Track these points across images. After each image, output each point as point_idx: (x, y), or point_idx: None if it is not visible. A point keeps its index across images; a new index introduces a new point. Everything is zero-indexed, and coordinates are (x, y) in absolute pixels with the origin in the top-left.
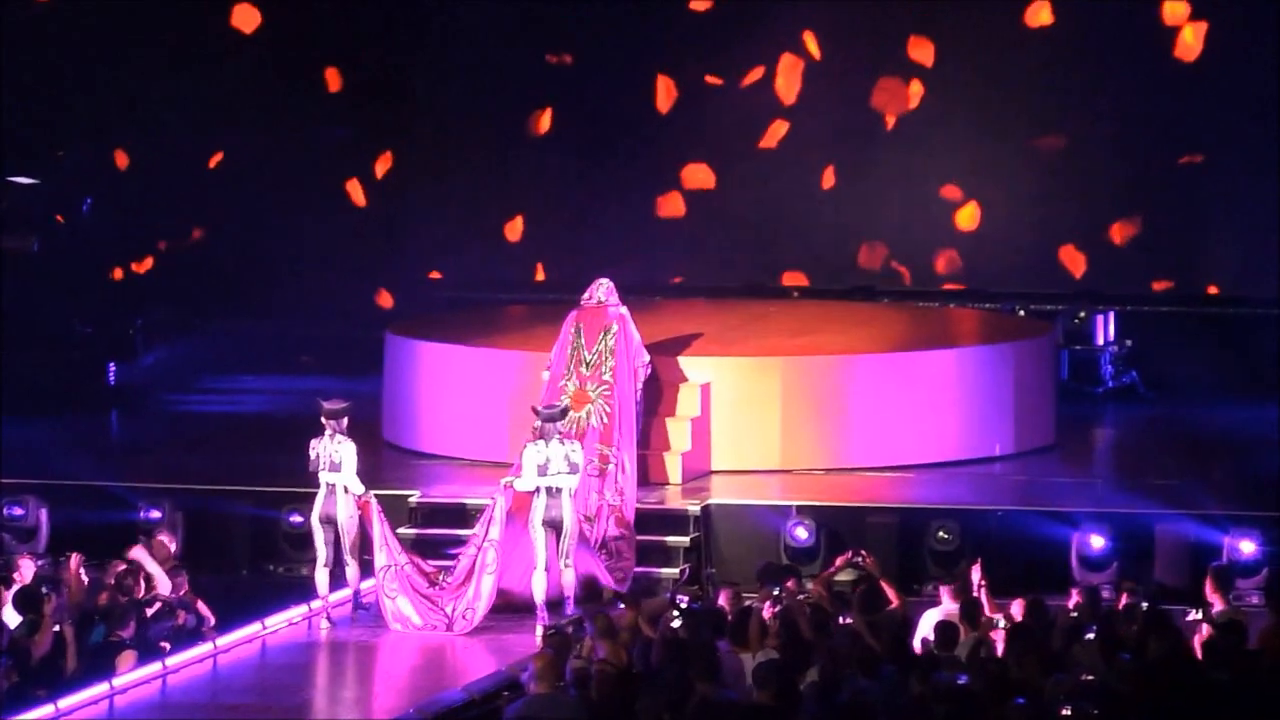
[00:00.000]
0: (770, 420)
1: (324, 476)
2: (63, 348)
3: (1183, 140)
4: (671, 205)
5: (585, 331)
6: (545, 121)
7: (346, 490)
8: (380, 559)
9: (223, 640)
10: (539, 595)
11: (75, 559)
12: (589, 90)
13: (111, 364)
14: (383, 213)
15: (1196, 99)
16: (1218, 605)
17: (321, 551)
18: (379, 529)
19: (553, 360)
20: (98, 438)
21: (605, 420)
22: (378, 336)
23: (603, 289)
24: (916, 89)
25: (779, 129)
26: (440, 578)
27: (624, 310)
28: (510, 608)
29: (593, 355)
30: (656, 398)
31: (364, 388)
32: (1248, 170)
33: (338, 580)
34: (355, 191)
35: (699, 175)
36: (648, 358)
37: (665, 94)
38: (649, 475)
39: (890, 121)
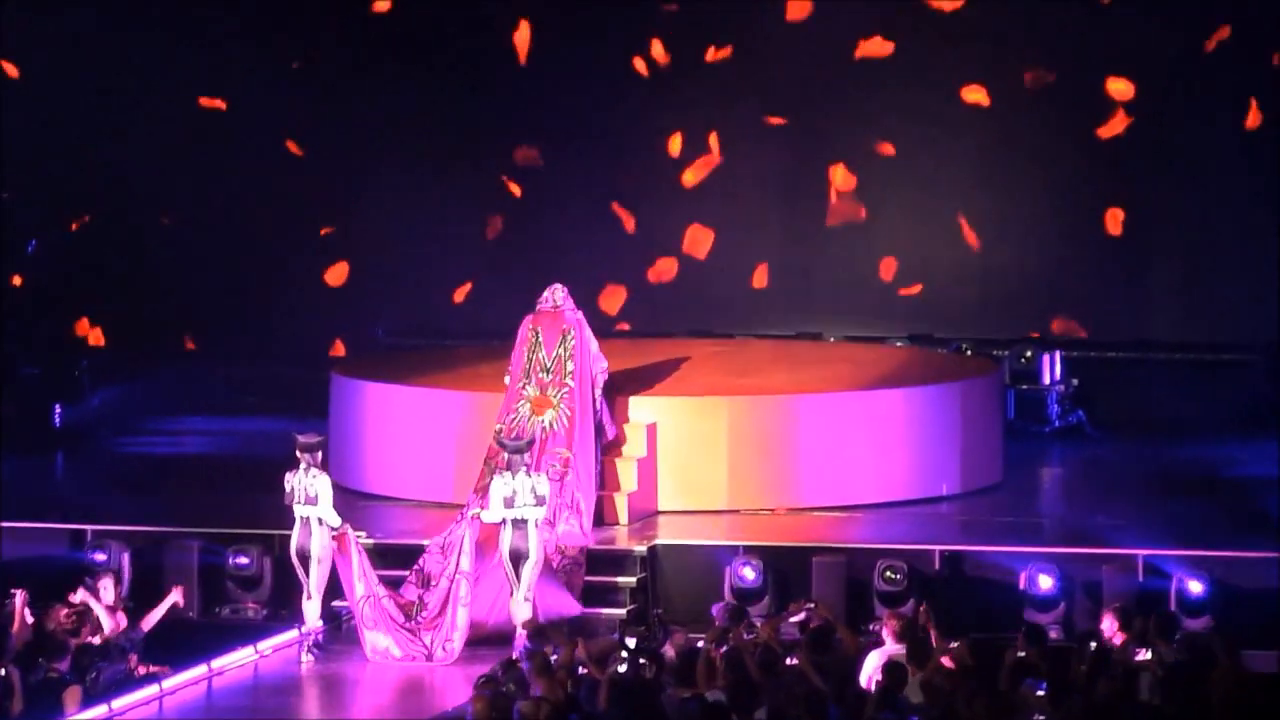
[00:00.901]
0: (717, 460)
1: (298, 510)
2: (7, 389)
3: (1112, 203)
4: (614, 299)
5: (544, 335)
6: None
7: (321, 523)
8: (359, 589)
9: (169, 682)
10: (516, 620)
11: (20, 597)
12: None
13: (57, 405)
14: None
15: (1118, 167)
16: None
17: (306, 583)
18: (356, 561)
19: (511, 365)
20: (43, 479)
21: (566, 424)
22: (324, 378)
23: (559, 293)
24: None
25: (701, 240)
26: (415, 611)
27: (580, 315)
28: (483, 639)
29: (552, 360)
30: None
31: (311, 429)
32: (1175, 231)
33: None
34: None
35: (665, 267)
36: (605, 363)
37: (625, 218)
38: (597, 515)
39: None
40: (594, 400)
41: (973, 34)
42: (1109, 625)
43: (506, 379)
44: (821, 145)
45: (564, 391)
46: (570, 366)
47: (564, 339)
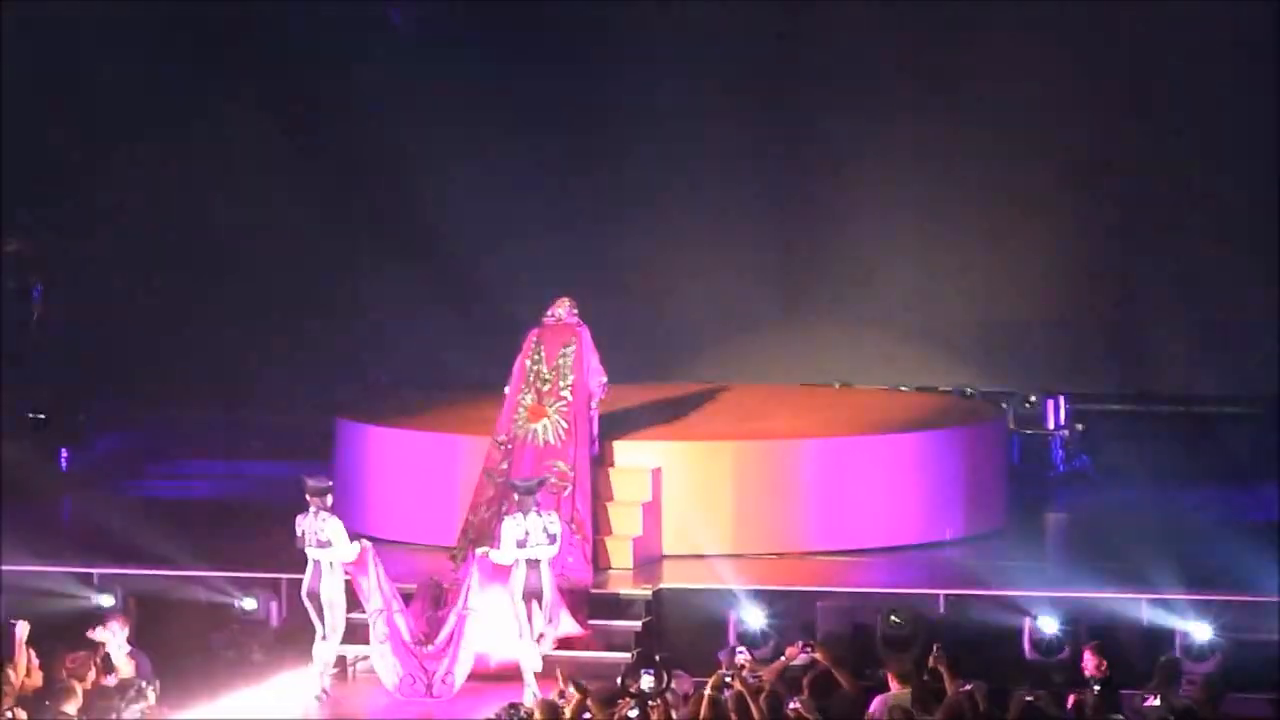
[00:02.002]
0: (722, 504)
1: (311, 553)
2: (14, 434)
3: (1117, 261)
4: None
5: (545, 348)
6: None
7: (333, 566)
8: (375, 602)
9: None
10: (525, 663)
11: (21, 626)
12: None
13: (64, 450)
14: (338, 315)
15: (1125, 225)
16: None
17: (319, 625)
18: (374, 572)
19: (512, 376)
20: (50, 524)
21: (563, 436)
22: (329, 421)
23: (564, 306)
24: None
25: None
26: (424, 637)
27: (584, 327)
28: (488, 676)
29: (550, 371)
30: (607, 482)
31: (320, 472)
32: (1179, 289)
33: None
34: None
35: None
36: (605, 377)
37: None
38: (600, 560)
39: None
40: (590, 411)
41: (977, 104)
42: (1089, 662)
43: (506, 389)
44: (827, 208)
45: (560, 403)
46: (570, 378)
47: (565, 350)
